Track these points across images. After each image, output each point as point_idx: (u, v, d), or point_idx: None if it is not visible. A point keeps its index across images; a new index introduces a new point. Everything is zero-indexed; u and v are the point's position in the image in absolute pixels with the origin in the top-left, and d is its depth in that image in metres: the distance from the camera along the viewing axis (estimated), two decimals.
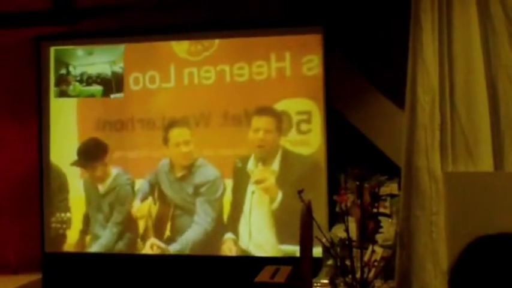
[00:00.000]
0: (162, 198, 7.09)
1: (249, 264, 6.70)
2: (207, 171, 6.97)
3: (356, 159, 6.19)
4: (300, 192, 4.71)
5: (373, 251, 4.80)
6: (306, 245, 4.80)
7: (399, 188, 5.55)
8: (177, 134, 7.09)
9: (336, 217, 6.04)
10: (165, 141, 7.10)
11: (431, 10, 4.65)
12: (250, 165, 6.88)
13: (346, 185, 5.76)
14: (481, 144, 4.55)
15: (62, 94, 7.36)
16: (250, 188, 6.86)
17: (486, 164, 4.52)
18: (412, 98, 4.65)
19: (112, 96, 7.22)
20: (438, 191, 4.51)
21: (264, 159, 6.85)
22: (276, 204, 6.78)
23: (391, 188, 5.83)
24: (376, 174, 5.87)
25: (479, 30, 4.61)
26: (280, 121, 6.82)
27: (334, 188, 6.11)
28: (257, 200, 6.84)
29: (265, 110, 6.87)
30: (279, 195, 6.76)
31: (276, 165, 6.79)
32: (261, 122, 6.87)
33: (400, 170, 4.77)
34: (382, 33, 6.50)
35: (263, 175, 6.83)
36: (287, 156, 6.78)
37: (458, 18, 4.62)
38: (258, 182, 6.83)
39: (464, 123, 4.56)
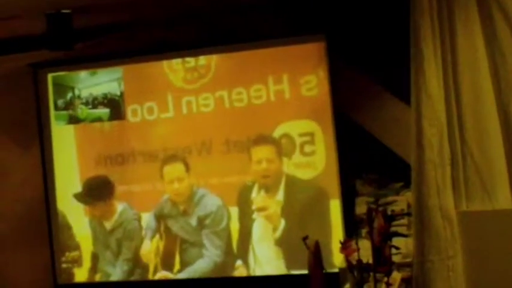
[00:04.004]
0: (168, 232, 6.48)
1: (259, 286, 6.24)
2: (208, 202, 6.35)
3: (368, 166, 5.69)
4: (304, 239, 4.05)
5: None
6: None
7: None
8: (170, 171, 6.45)
9: (353, 228, 5.44)
10: (161, 177, 6.49)
11: (432, 37, 3.99)
12: (254, 193, 6.25)
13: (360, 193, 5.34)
14: (496, 178, 3.90)
15: (71, 119, 6.72)
16: (254, 216, 6.24)
17: (504, 199, 3.85)
18: (417, 132, 4.00)
19: None
20: (453, 232, 3.86)
21: (268, 188, 6.21)
22: (278, 233, 6.15)
23: (406, 197, 5.15)
24: (391, 182, 5.38)
25: (487, 55, 3.94)
26: (280, 147, 6.18)
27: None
28: (261, 229, 6.22)
29: (263, 139, 6.24)
30: (282, 224, 6.14)
31: (280, 195, 6.16)
32: (261, 153, 6.23)
33: None
34: (383, 33, 5.72)
35: (265, 203, 6.20)
36: (291, 183, 6.15)
37: (462, 43, 3.99)
38: (260, 210, 6.20)
39: (477, 157, 3.90)
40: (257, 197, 6.23)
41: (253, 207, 6.23)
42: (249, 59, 6.33)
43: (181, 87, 6.44)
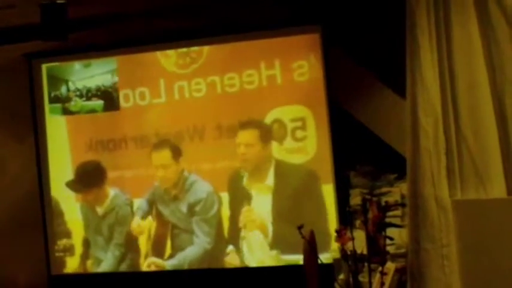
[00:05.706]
0: (160, 217, 6.43)
1: (251, 276, 6.20)
2: (198, 188, 6.30)
3: (362, 157, 5.62)
4: (300, 228, 4.02)
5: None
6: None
7: None
8: (156, 157, 6.41)
9: (346, 216, 5.28)
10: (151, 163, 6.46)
11: (427, 26, 3.95)
12: (245, 180, 6.20)
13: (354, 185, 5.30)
14: (491, 167, 3.87)
15: (65, 111, 6.66)
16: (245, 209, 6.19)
17: (498, 189, 3.84)
18: (413, 120, 3.96)
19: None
20: (448, 221, 3.85)
21: (258, 176, 6.16)
22: (270, 218, 6.13)
23: (400, 188, 5.14)
24: (385, 173, 5.34)
25: (482, 44, 3.91)
26: (266, 132, 6.12)
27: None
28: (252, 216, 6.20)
29: (250, 123, 6.19)
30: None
31: (270, 180, 6.11)
32: (242, 137, 6.20)
33: None
34: (379, 25, 5.65)
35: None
36: (281, 167, 6.11)
37: (457, 33, 3.95)
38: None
39: (472, 146, 3.88)
40: (248, 184, 6.19)
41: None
42: (241, 45, 6.27)
43: (174, 72, 6.38)
